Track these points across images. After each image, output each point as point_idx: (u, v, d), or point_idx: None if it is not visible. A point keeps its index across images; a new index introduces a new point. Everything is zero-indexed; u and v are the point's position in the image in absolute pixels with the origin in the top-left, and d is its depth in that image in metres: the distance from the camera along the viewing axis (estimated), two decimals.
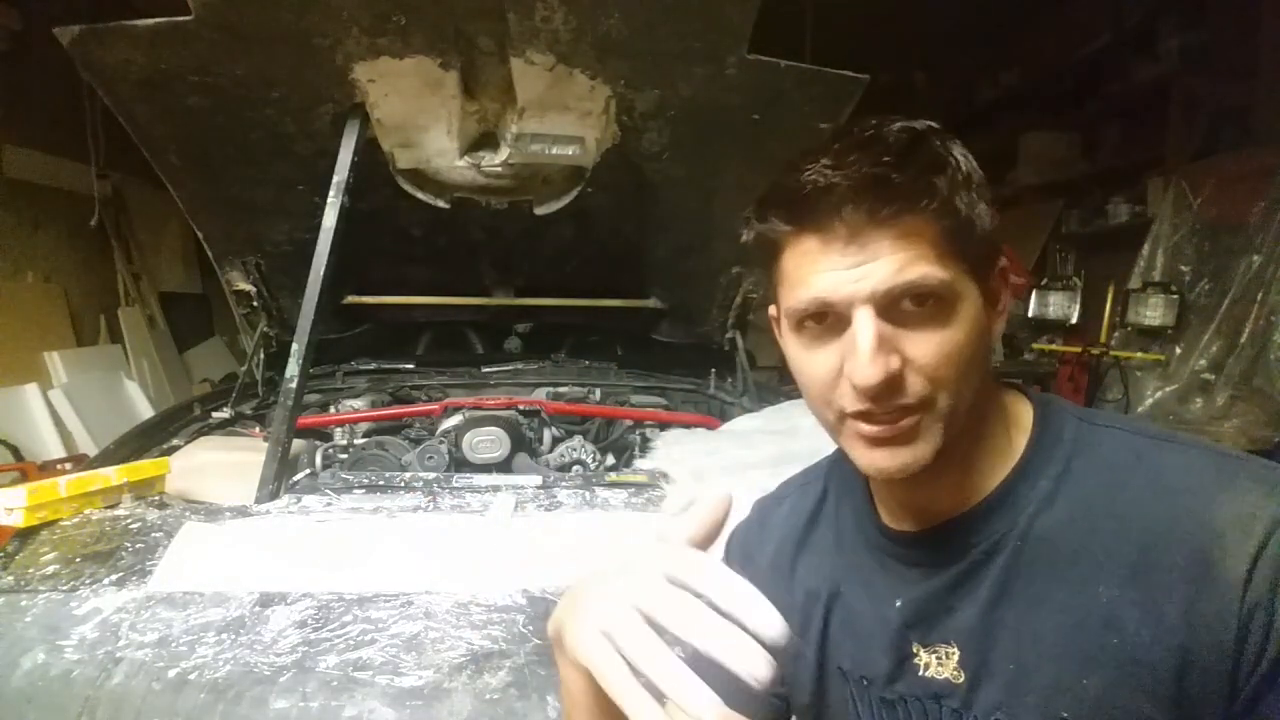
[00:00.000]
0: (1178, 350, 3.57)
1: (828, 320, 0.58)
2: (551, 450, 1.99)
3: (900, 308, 0.56)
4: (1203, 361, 3.43)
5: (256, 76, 1.66)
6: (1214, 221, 3.52)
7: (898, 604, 0.65)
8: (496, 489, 1.50)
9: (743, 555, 0.80)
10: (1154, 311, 3.60)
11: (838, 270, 0.56)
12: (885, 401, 0.56)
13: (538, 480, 1.55)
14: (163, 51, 1.58)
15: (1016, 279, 3.97)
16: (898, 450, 0.58)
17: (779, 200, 0.59)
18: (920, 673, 0.64)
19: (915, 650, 0.64)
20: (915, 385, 0.56)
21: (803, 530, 0.76)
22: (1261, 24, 3.45)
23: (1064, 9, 4.76)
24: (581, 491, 1.49)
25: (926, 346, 0.56)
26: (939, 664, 0.63)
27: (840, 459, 0.77)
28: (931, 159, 0.57)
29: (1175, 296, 3.55)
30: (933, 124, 0.59)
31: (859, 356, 0.55)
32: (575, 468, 1.91)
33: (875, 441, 0.58)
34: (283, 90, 1.71)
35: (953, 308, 0.57)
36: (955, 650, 0.62)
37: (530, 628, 1.03)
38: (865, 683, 0.67)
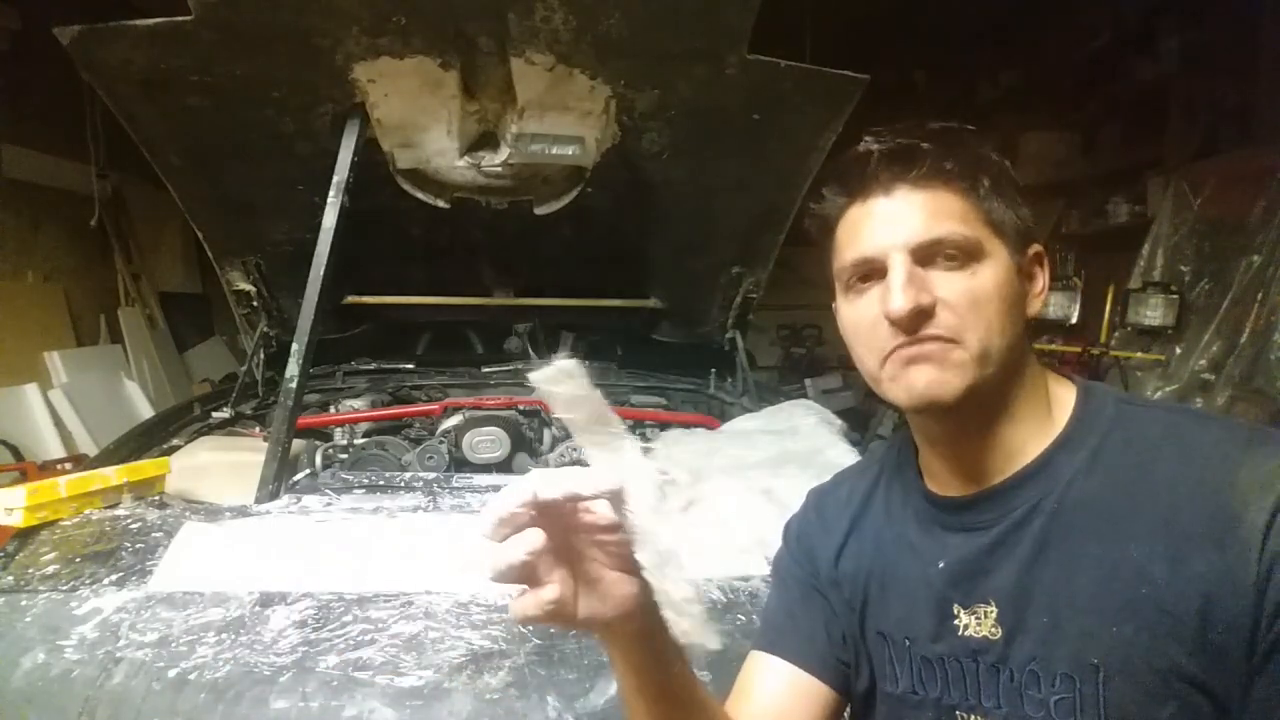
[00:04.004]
0: (1178, 350, 3.57)
1: (872, 278, 0.68)
2: (551, 450, 1.99)
3: (935, 260, 0.65)
4: (1203, 361, 3.43)
5: (256, 76, 1.66)
6: (1214, 221, 3.52)
7: (940, 565, 0.70)
8: (496, 489, 1.49)
9: (797, 541, 0.86)
10: (1154, 311, 3.60)
11: (877, 228, 0.67)
12: (916, 328, 0.64)
13: None
14: (163, 51, 1.58)
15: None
16: (926, 368, 0.64)
17: (832, 175, 0.71)
18: (960, 633, 0.69)
19: (955, 611, 0.69)
20: (946, 318, 0.64)
21: (858, 509, 0.81)
22: (1261, 24, 3.45)
23: (1064, 9, 4.76)
24: None
25: (954, 288, 0.65)
26: (977, 623, 0.68)
27: (894, 443, 0.83)
28: (957, 140, 0.68)
29: (1175, 296, 3.55)
30: (970, 128, 0.71)
31: (891, 289, 0.64)
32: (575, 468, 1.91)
33: (909, 360, 0.65)
34: (283, 90, 1.71)
35: (978, 261, 0.65)
36: (993, 609, 0.67)
37: (530, 628, 1.03)
38: (908, 643, 0.72)
